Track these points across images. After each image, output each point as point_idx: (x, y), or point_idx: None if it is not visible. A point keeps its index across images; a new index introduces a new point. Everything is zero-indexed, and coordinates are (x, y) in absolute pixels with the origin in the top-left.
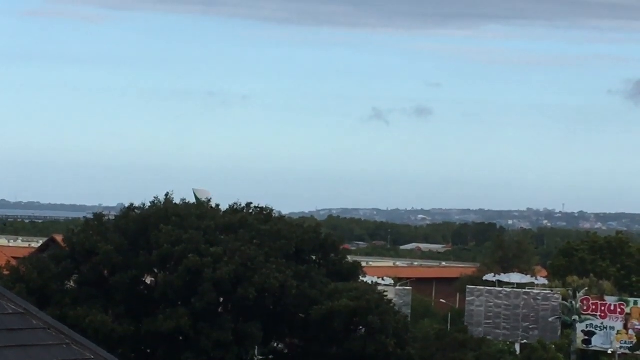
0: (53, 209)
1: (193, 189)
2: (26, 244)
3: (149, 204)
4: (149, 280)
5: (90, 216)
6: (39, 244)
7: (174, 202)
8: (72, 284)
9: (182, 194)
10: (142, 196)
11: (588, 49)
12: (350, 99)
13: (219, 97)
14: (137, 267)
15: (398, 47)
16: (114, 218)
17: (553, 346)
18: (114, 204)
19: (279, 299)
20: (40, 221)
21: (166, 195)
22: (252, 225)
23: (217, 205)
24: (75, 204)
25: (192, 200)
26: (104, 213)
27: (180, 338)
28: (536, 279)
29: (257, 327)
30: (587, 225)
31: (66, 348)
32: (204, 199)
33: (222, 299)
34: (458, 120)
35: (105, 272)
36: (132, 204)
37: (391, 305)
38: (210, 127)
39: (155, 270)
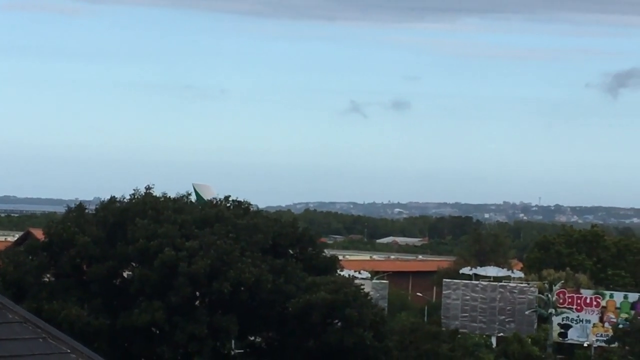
0: (30, 202)
1: (193, 184)
2: (2, 238)
3: (129, 197)
4: (126, 273)
5: (72, 207)
6: (15, 238)
7: (154, 195)
8: (48, 277)
9: (161, 187)
10: (119, 190)
11: (566, 43)
12: (328, 92)
13: (196, 91)
14: (114, 260)
15: (376, 40)
16: (92, 211)
17: (529, 339)
18: (90, 198)
19: (255, 293)
20: (16, 215)
21: (147, 188)
22: (228, 219)
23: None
24: (52, 198)
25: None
26: (84, 205)
27: (156, 332)
28: (512, 272)
29: (232, 320)
30: (563, 219)
31: (42, 342)
32: (206, 195)
33: (197, 293)
34: (436, 114)
35: (83, 264)
36: (113, 197)
37: (368, 298)
38: (188, 121)
39: (133, 264)
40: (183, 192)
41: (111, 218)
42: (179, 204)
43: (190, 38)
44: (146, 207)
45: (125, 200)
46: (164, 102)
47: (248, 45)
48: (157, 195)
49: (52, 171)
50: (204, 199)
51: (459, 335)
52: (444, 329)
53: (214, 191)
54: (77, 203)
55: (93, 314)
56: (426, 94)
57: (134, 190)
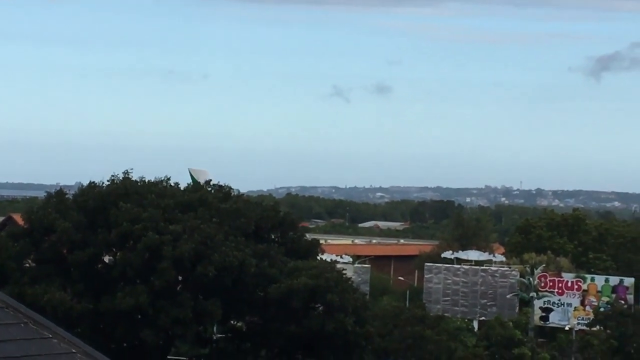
0: (11, 187)
1: (189, 169)
2: None
3: (107, 182)
4: (107, 258)
5: (51, 192)
6: None
7: (133, 180)
8: (30, 262)
9: (141, 172)
10: (101, 175)
11: (549, 27)
12: (310, 76)
13: (179, 76)
14: (96, 245)
15: (358, 24)
16: (72, 196)
17: (511, 323)
18: (71, 183)
19: (238, 277)
20: None
21: (125, 173)
22: (211, 203)
23: (205, 184)
24: (33, 183)
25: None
26: (64, 190)
27: (139, 316)
28: (494, 256)
29: (216, 304)
30: (544, 203)
31: (24, 327)
32: (201, 180)
33: (181, 277)
34: (418, 98)
35: (64, 250)
36: (92, 182)
37: (350, 283)
38: (170, 106)
39: (114, 249)
40: (162, 176)
41: (92, 203)
42: (160, 188)
43: (173, 23)
44: (128, 191)
45: (104, 185)
46: (146, 87)
47: (230, 30)
48: (136, 180)
49: (33, 156)
50: (199, 184)
51: (443, 320)
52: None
53: (210, 176)
54: (58, 188)
55: (75, 299)
56: (409, 78)
57: (112, 175)
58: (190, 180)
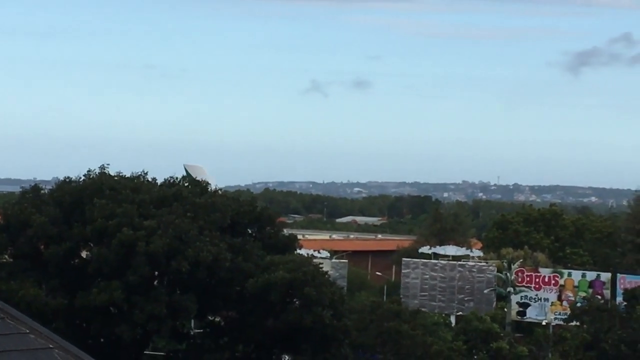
0: None
1: (184, 165)
2: None
3: (83, 177)
4: (85, 253)
5: (27, 187)
6: None
7: (109, 174)
8: (6, 257)
9: (118, 167)
10: (78, 170)
11: (526, 22)
12: (289, 71)
13: (157, 70)
14: (72, 240)
15: (337, 19)
16: (48, 191)
17: (488, 317)
18: (49, 178)
19: (213, 272)
20: None
21: (101, 167)
22: (186, 198)
23: (181, 179)
24: (10, 178)
25: (129, 173)
26: (40, 185)
27: (114, 311)
28: (471, 251)
29: (191, 299)
30: (521, 198)
31: (1, 322)
32: (198, 177)
33: (156, 272)
34: (397, 93)
35: (40, 245)
36: (68, 177)
37: (327, 277)
38: (149, 100)
39: (90, 244)
40: (140, 171)
41: (68, 198)
42: (135, 184)
43: (151, 17)
44: (103, 186)
45: (80, 180)
46: (124, 81)
47: (209, 24)
48: (112, 175)
49: (9, 151)
50: (195, 180)
51: (419, 314)
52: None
53: (205, 172)
54: (34, 183)
55: (51, 294)
56: (388, 74)
57: (88, 170)
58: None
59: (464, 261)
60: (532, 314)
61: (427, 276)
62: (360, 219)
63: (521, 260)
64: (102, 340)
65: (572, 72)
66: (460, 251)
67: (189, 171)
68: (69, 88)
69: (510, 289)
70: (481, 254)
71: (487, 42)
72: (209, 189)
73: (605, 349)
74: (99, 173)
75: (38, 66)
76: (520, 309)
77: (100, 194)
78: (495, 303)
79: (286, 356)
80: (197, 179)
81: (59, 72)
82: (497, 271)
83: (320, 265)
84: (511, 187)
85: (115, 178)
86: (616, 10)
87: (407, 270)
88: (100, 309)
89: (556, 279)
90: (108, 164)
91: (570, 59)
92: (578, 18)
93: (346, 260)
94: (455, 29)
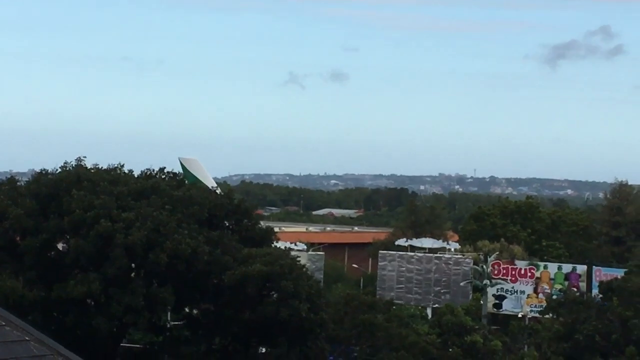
0: None
1: (179, 158)
2: None
3: (60, 169)
4: (61, 245)
5: (3, 179)
6: None
7: (86, 167)
8: None
9: (95, 159)
10: (54, 162)
11: (504, 15)
12: (266, 63)
13: (133, 62)
14: (48, 232)
15: (313, 11)
16: (25, 183)
17: (461, 310)
18: (24, 170)
19: (191, 264)
20: None
21: (78, 160)
22: (164, 190)
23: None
24: None
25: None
26: (16, 178)
27: (92, 303)
28: (448, 243)
29: (168, 292)
30: (498, 190)
31: None
32: (194, 169)
33: (133, 264)
34: (374, 86)
35: (17, 236)
36: (44, 169)
37: (304, 270)
38: (126, 92)
39: (67, 236)
40: (116, 163)
41: (44, 190)
42: (113, 176)
43: (127, 9)
44: (81, 178)
45: (57, 172)
46: (101, 74)
47: (187, 17)
48: (89, 167)
49: None
50: (191, 173)
51: (394, 307)
52: (379, 297)
53: (201, 165)
54: (10, 175)
55: (28, 286)
56: (365, 66)
57: (65, 162)
58: (180, 170)
59: (440, 254)
60: (508, 307)
61: (404, 269)
62: (337, 212)
63: (497, 252)
64: (78, 332)
65: (550, 65)
66: (437, 244)
67: (185, 164)
68: (45, 80)
69: (486, 281)
70: (458, 246)
71: (465, 35)
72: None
73: (579, 340)
74: (75, 165)
75: (14, 59)
76: (497, 302)
77: (78, 186)
78: (471, 295)
79: (263, 348)
80: (192, 172)
81: (34, 64)
82: (474, 264)
83: (297, 258)
84: (487, 180)
85: (92, 170)
86: (594, 3)
87: (384, 263)
88: (77, 301)
89: (532, 271)
90: (85, 156)
91: (548, 52)
92: (556, 11)
93: (323, 253)
94: (432, 21)
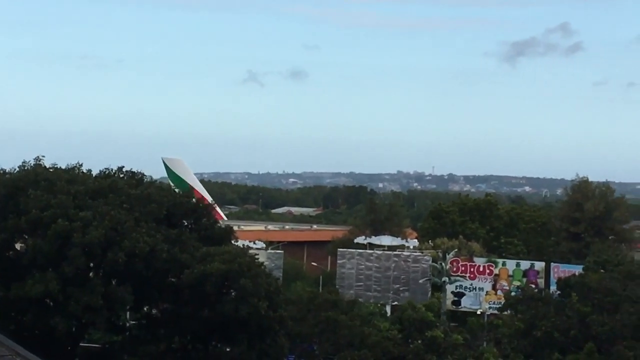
0: None
1: (162, 158)
2: None
3: (17, 169)
4: (18, 245)
5: None
6: None
7: (44, 166)
8: None
9: (53, 159)
10: (12, 162)
11: (464, 12)
12: (225, 61)
13: (93, 61)
14: (6, 232)
15: (272, 9)
16: None
17: (423, 307)
18: None
19: (149, 263)
20: None
21: (36, 159)
22: (122, 189)
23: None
24: None
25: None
26: None
27: (50, 303)
28: (407, 241)
29: (127, 290)
30: (456, 188)
31: None
32: (177, 169)
33: (91, 263)
34: (333, 83)
35: None
36: (1, 169)
37: (263, 268)
38: (84, 91)
39: (25, 236)
40: (74, 162)
41: (2, 190)
42: (71, 175)
43: (85, 7)
44: (38, 178)
45: (14, 171)
46: (59, 72)
47: (144, 15)
48: (47, 167)
49: None
50: (174, 173)
51: (356, 305)
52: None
53: (185, 164)
54: None
55: None
56: (324, 64)
57: (23, 161)
58: (164, 170)
59: (399, 251)
60: (467, 303)
61: (363, 266)
62: (296, 210)
63: (456, 250)
64: (36, 332)
65: (509, 62)
66: (396, 241)
67: (168, 164)
68: (2, 79)
69: (445, 278)
70: (416, 243)
71: (424, 32)
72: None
73: (537, 337)
74: (33, 165)
75: None
76: (455, 299)
77: (35, 185)
78: (430, 293)
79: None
80: (176, 172)
81: None
82: (432, 261)
83: (256, 256)
84: (446, 177)
85: (50, 170)
86: (554, 0)
87: (343, 261)
88: (35, 300)
89: (491, 268)
90: (43, 156)
91: (508, 49)
92: (515, 8)
93: (282, 251)
94: (391, 19)
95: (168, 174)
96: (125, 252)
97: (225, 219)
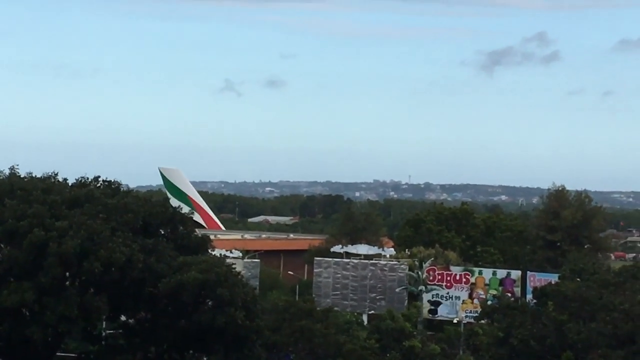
0: None
1: (159, 168)
2: None
3: None
4: None
5: None
6: None
7: (19, 176)
8: None
9: (29, 168)
10: None
11: (441, 21)
12: (202, 71)
13: (69, 69)
14: None
15: (249, 18)
16: None
17: (401, 316)
18: None
19: (126, 272)
20: None
21: (11, 168)
22: (98, 199)
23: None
24: None
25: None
26: None
27: (26, 312)
28: (383, 250)
29: (103, 300)
30: (432, 197)
31: None
32: (175, 179)
33: (67, 273)
34: (310, 92)
35: None
36: None
37: (239, 277)
38: (61, 100)
39: (1, 245)
40: (50, 172)
41: None
42: (47, 184)
43: (62, 16)
44: (14, 187)
45: None
46: (34, 81)
47: (121, 24)
48: (23, 176)
49: None
50: (171, 183)
51: (331, 313)
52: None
53: (182, 174)
54: None
55: None
56: (301, 73)
57: None
58: (161, 180)
59: (375, 260)
60: (443, 312)
61: (339, 275)
62: (272, 219)
63: (432, 258)
64: (12, 341)
65: (486, 71)
66: (372, 250)
67: (165, 174)
68: None
69: (421, 287)
70: (393, 252)
71: (401, 42)
72: (121, 189)
73: (514, 345)
74: (8, 174)
75: None
76: (432, 307)
77: (11, 195)
78: (407, 301)
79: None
80: (173, 182)
81: None
82: (409, 270)
83: (233, 265)
84: (422, 186)
85: (26, 179)
86: (530, 10)
87: (319, 270)
88: (10, 310)
89: (467, 277)
90: (18, 165)
91: (484, 58)
92: (492, 18)
93: (258, 260)
94: (368, 28)
95: (165, 184)
96: (102, 262)
97: (224, 228)
